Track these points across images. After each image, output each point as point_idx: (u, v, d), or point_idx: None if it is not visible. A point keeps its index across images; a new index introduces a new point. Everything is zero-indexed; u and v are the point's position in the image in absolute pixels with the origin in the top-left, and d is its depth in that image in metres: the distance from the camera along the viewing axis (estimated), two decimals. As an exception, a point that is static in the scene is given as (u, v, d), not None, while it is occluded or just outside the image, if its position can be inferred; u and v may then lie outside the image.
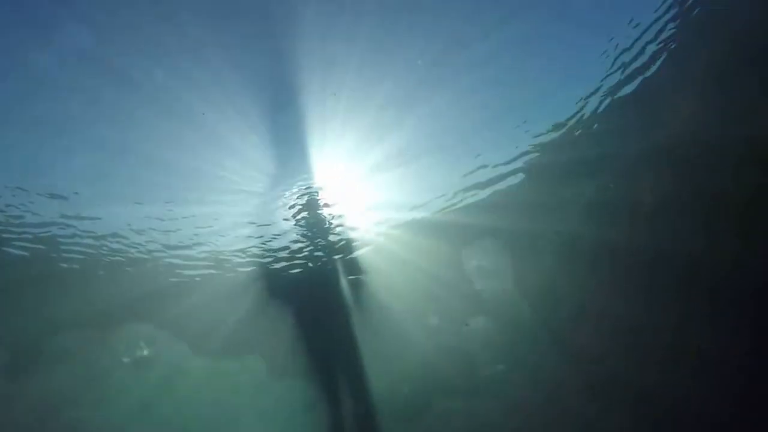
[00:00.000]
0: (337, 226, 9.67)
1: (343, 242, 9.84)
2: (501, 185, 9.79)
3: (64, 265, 10.03)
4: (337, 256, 9.90)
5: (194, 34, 6.93)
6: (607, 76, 8.34)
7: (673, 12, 7.66)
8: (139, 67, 7.23)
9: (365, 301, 9.75)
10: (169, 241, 9.65)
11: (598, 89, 8.52)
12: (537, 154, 9.54)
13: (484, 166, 9.29)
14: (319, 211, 9.34)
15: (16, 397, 11.41)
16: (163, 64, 7.28)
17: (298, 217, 9.39)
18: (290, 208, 9.26)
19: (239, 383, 12.32)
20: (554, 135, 9.15)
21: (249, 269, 10.41)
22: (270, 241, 9.77)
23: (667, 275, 9.73)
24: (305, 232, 9.65)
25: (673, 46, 8.03)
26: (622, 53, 8.06)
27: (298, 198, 9.14)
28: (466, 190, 9.75)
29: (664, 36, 7.96)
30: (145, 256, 10.10)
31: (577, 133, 9.33)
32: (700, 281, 9.28)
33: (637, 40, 7.98)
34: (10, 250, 9.67)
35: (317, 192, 9.09)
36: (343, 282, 9.73)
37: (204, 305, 10.92)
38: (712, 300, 9.61)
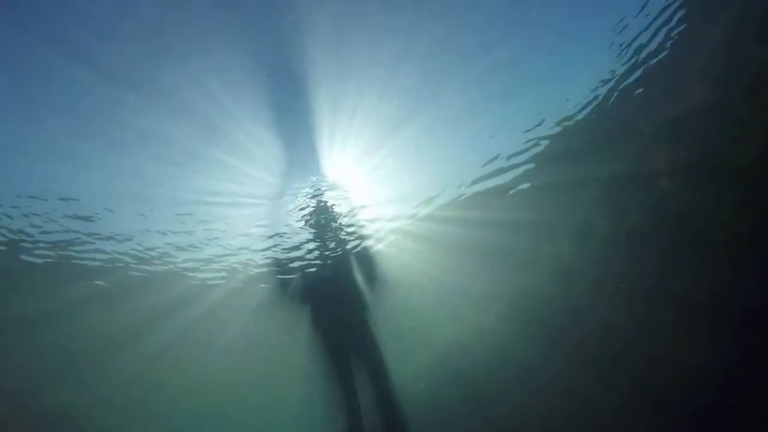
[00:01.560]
0: (349, 225, 9.68)
1: (356, 242, 9.85)
2: (514, 175, 9.75)
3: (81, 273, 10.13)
4: (350, 256, 9.91)
5: (199, 29, 6.84)
6: (619, 60, 8.28)
7: None
8: (139, 67, 7.18)
9: (380, 299, 9.74)
10: (183, 249, 9.73)
11: (611, 73, 8.48)
12: (549, 142, 9.49)
13: (497, 158, 9.27)
14: (331, 212, 9.34)
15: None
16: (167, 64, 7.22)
17: (310, 218, 9.39)
18: (300, 209, 9.27)
19: (263, 386, 12.46)
20: (567, 122, 9.09)
21: (262, 273, 10.47)
22: (282, 244, 9.81)
23: (688, 254, 9.65)
24: (317, 234, 9.65)
25: (682, 22, 7.94)
26: (632, 34, 8.00)
27: (308, 199, 9.15)
28: (478, 181, 9.72)
29: (673, 15, 7.87)
30: (163, 267, 10.19)
31: (588, 119, 9.28)
32: (724, 257, 9.19)
33: (646, 19, 7.89)
34: (26, 257, 9.79)
35: (327, 193, 9.09)
36: (358, 281, 9.72)
37: (220, 311, 11.03)
38: (736, 276, 9.54)
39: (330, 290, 9.71)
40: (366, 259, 9.74)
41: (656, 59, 8.36)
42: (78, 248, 9.58)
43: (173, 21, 6.72)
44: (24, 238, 9.38)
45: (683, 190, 9.64)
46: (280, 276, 9.94)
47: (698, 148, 9.16)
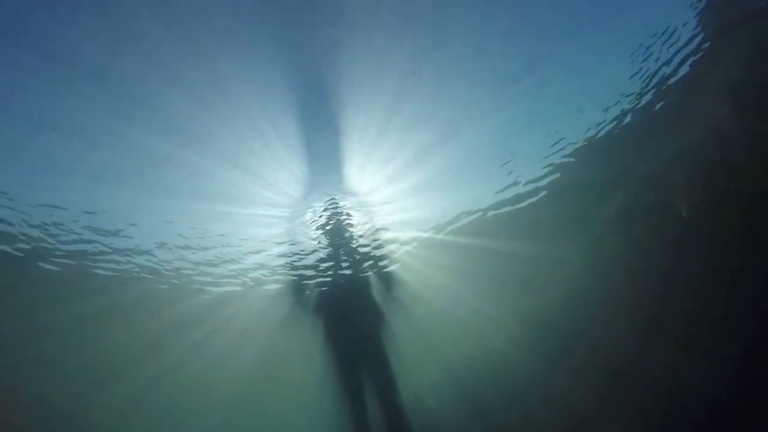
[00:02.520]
0: (364, 245, 9.73)
1: (370, 259, 9.89)
2: (530, 200, 9.77)
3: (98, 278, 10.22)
4: (364, 273, 9.96)
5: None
6: (642, 90, 8.29)
7: (702, 18, 7.59)
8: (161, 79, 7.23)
9: (393, 316, 9.80)
10: (197, 259, 9.83)
11: (632, 99, 8.49)
12: (566, 165, 9.50)
13: (516, 183, 9.30)
14: (346, 230, 9.39)
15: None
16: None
17: (325, 235, 9.45)
18: (317, 226, 9.33)
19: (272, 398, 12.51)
20: (585, 145, 9.11)
21: (279, 287, 10.55)
22: (299, 259, 9.87)
23: (704, 284, 9.62)
24: (332, 250, 9.70)
25: (704, 50, 7.92)
26: (653, 63, 8.01)
27: (325, 216, 9.20)
28: (495, 206, 9.76)
29: (695, 42, 7.87)
30: (178, 281, 10.28)
31: (607, 142, 9.28)
32: (741, 289, 9.15)
33: (668, 49, 7.91)
34: (45, 265, 9.89)
35: (344, 211, 9.14)
36: (372, 297, 9.77)
37: (232, 322, 11.10)
38: (747, 301, 9.50)
39: (345, 306, 9.77)
40: (381, 277, 9.78)
41: (677, 85, 8.35)
42: (96, 258, 9.69)
43: (196, 50, 6.79)
44: (42, 245, 9.48)
45: (700, 213, 9.60)
46: (296, 290, 10.02)
47: (716, 173, 9.12)
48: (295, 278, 10.02)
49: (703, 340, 9.66)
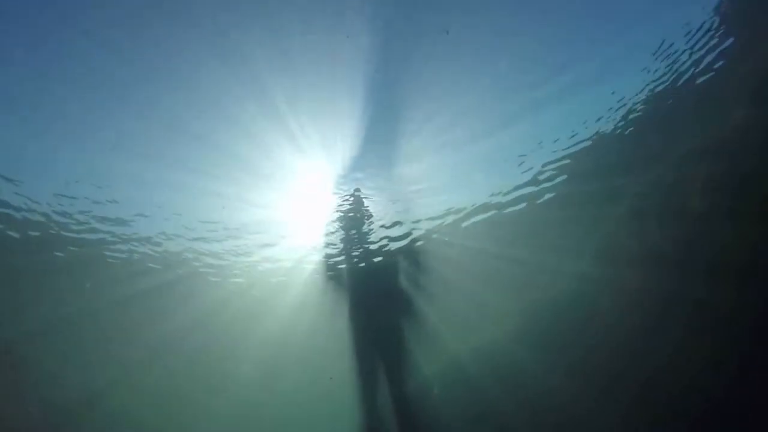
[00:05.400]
0: (385, 234, 9.83)
1: (388, 246, 10.02)
2: (544, 196, 9.74)
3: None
4: (391, 259, 10.12)
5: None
6: (662, 89, 8.16)
7: (726, 20, 7.41)
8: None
9: (406, 302, 9.99)
10: (218, 248, 10.00)
11: (649, 92, 8.37)
12: (580, 159, 9.45)
13: (531, 179, 9.32)
14: (366, 216, 9.51)
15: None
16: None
17: (346, 221, 9.59)
18: (337, 211, 9.43)
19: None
20: (599, 147, 9.02)
21: (297, 274, 10.76)
22: (320, 245, 10.06)
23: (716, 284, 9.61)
24: (351, 237, 9.86)
25: (725, 49, 7.77)
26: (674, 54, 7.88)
27: (345, 202, 9.32)
28: (509, 201, 9.77)
29: (715, 38, 7.70)
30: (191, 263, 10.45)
31: (622, 136, 9.18)
32: (743, 285, 9.15)
33: (690, 50, 7.76)
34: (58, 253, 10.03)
35: (363, 196, 9.23)
36: (389, 283, 9.95)
37: (255, 309, 11.35)
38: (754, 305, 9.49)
39: (370, 287, 9.98)
40: (407, 265, 9.94)
41: (697, 87, 8.21)
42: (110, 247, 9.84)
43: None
44: (54, 233, 9.59)
45: (713, 214, 9.52)
46: (324, 272, 10.27)
47: (732, 176, 9.00)
48: (324, 261, 10.21)
49: (707, 344, 9.68)
